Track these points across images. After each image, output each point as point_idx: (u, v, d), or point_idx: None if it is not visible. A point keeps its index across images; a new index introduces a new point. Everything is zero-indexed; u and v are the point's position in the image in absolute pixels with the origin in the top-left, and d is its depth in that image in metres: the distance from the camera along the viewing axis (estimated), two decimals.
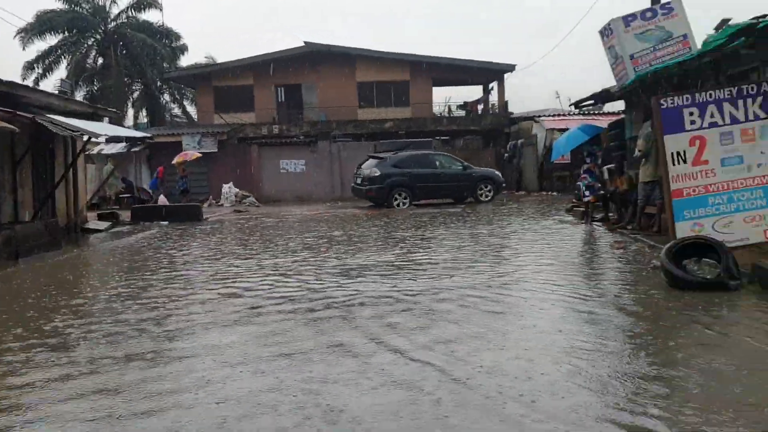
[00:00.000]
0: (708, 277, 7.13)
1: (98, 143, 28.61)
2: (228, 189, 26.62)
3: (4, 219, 13.10)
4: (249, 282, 8.23)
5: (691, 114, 7.37)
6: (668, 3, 10.95)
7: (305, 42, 33.66)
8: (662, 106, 7.41)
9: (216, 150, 28.54)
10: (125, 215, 19.68)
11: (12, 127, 9.97)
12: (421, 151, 24.86)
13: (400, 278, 8.11)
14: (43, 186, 14.97)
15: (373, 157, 23.41)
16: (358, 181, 22.76)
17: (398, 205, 21.52)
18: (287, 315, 6.35)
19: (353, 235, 13.59)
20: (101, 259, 11.69)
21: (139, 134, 16.94)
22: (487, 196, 22.56)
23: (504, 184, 23.38)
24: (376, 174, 21.84)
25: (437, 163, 23.00)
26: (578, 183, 16.68)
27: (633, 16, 10.90)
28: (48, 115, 13.24)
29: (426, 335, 5.41)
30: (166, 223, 18.47)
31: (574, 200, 17.31)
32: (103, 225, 17.26)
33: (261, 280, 8.29)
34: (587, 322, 5.85)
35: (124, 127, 37.03)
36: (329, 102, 34.04)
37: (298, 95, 35.16)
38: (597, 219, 14.17)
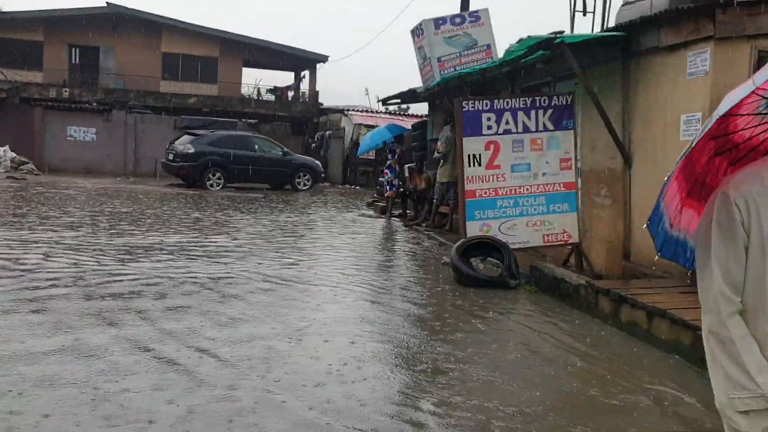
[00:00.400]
0: (491, 276, 7.48)
1: None
2: (2, 152, 23.72)
3: None
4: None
5: (489, 119, 7.65)
6: (476, 12, 11.40)
7: (107, 2, 31.05)
8: (464, 109, 7.61)
9: None
10: None
11: None
12: (240, 132, 24.05)
13: (189, 262, 7.59)
14: None
15: (189, 134, 22.05)
16: (170, 157, 21.27)
17: (211, 185, 20.37)
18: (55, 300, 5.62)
19: (142, 213, 12.66)
20: None
21: None
22: (305, 185, 22.22)
23: (323, 174, 23.04)
24: (190, 151, 20.55)
25: (256, 146, 22.14)
26: (380, 179, 17.03)
27: (444, 19, 11.19)
28: None
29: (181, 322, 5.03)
30: None
31: (375, 195, 17.64)
32: None
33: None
34: (375, 312, 5.82)
35: None
36: (129, 70, 31.73)
37: (94, 58, 32.35)
38: (395, 215, 14.50)
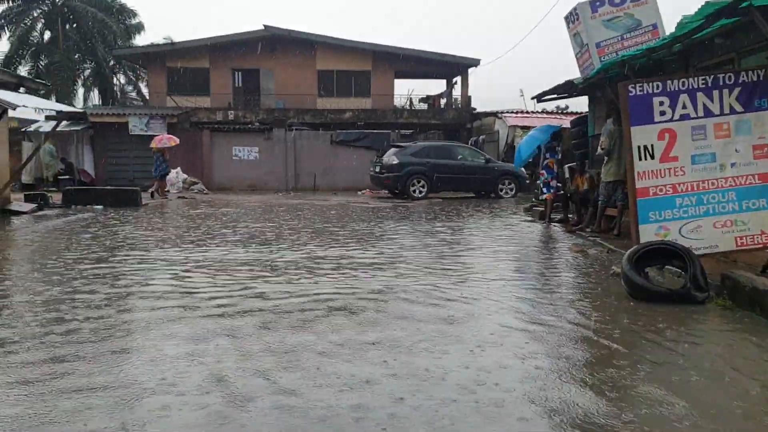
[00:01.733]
0: (672, 287, 6.36)
1: (36, 120, 27.25)
2: (175, 175, 25.25)
3: None
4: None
5: (662, 104, 6.56)
6: None
7: (265, 25, 32.40)
8: (630, 93, 6.58)
9: (165, 134, 27.09)
10: (57, 197, 18.30)
11: None
12: (443, 142, 25.60)
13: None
14: None
15: (394, 146, 23.32)
16: (377, 169, 22.63)
17: (415, 192, 21.46)
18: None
19: (313, 227, 12.59)
20: (8, 245, 10.46)
21: (66, 108, 15.53)
22: (508, 193, 22.27)
23: (527, 181, 22.40)
24: (394, 162, 21.72)
25: (459, 155, 22.76)
26: (537, 181, 15.95)
27: (601, 1, 10.11)
28: None
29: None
30: (100, 207, 17.18)
31: (534, 199, 16.59)
32: (28, 207, 15.91)
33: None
34: (537, 331, 5.00)
35: (68, 105, 35.44)
36: (288, 89, 32.88)
37: (255, 80, 33.88)
38: (556, 220, 13.41)
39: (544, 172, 13.55)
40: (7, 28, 37.12)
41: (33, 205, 16.20)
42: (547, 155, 13.48)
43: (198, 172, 26.84)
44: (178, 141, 22.75)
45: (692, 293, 6.08)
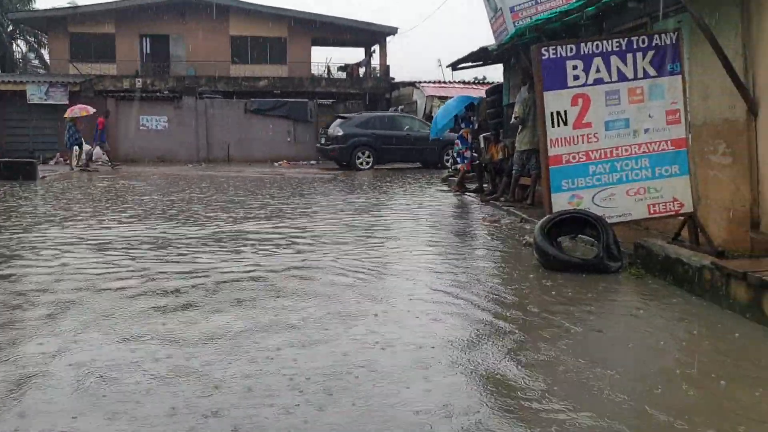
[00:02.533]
0: (585, 257, 6.20)
1: None
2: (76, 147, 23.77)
3: None
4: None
5: (575, 68, 6.30)
6: None
7: None
8: (543, 57, 6.29)
9: (67, 102, 25.44)
10: None
11: None
12: (389, 113, 25.17)
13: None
14: None
15: (339, 117, 23.05)
16: (323, 140, 22.46)
17: (361, 164, 21.24)
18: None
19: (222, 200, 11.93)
20: None
21: None
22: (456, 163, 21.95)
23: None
24: (339, 133, 21.43)
25: (405, 126, 22.62)
26: (451, 151, 15.78)
27: None
28: None
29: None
30: None
31: (450, 170, 16.43)
32: None
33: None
34: (450, 304, 4.69)
35: None
36: (199, 56, 31.52)
37: (165, 47, 32.32)
38: (471, 190, 13.24)
39: (458, 141, 13.35)
40: None
41: None
42: (462, 125, 13.27)
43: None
44: (92, 111, 21.75)
45: (605, 262, 5.91)
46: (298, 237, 7.70)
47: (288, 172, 20.40)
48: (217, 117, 26.92)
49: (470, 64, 13.20)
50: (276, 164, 24.78)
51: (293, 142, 27.37)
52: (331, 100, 34.74)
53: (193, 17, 31.68)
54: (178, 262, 6.25)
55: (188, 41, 32.02)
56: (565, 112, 6.34)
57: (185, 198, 12.15)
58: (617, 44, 6.35)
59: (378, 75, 34.04)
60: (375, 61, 35.55)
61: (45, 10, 34.11)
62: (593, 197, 6.41)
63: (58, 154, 24.78)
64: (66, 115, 21.30)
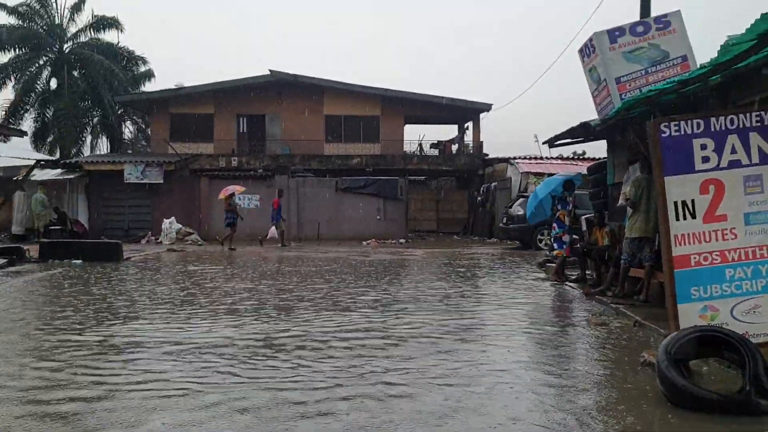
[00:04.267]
0: (726, 392, 4.77)
1: (33, 168, 26.28)
2: (168, 225, 24.01)
3: None
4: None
5: (704, 147, 5.09)
6: (665, 16, 8.76)
7: (270, 70, 31.59)
8: (663, 134, 5.12)
9: (161, 181, 25.97)
10: (34, 251, 17.02)
11: None
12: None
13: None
14: None
15: (521, 196, 22.20)
16: (504, 220, 22.05)
17: (542, 243, 19.81)
18: None
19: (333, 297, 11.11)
20: None
21: (34, 156, 14.29)
22: None
23: None
24: (519, 213, 20.42)
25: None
26: (540, 237, 14.47)
27: (621, 30, 8.72)
28: None
29: None
30: (79, 262, 15.85)
31: (547, 253, 15.05)
32: None
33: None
34: None
35: (77, 154, 34.60)
36: (294, 135, 31.90)
37: (261, 126, 32.98)
38: (572, 279, 11.83)
39: (555, 225, 12.05)
40: (13, 76, 36.60)
41: (2, 261, 14.90)
42: (558, 206, 12.00)
43: (195, 221, 25.60)
44: (242, 189, 23.38)
45: (754, 400, 4.49)
46: (378, 346, 6.63)
47: (375, 254, 19.48)
48: (308, 195, 26.64)
49: (569, 140, 12.00)
50: (365, 243, 24.04)
51: (383, 219, 26.67)
52: (422, 177, 34.19)
53: (289, 97, 32.27)
54: (296, 382, 5.23)
55: (283, 120, 32.53)
56: (693, 201, 5.10)
57: (273, 288, 11.37)
58: (758, 118, 5.08)
59: (471, 151, 33.26)
60: (468, 137, 34.90)
61: (149, 92, 35.77)
62: (732, 309, 5.06)
63: (150, 233, 25.08)
64: (221, 196, 22.31)
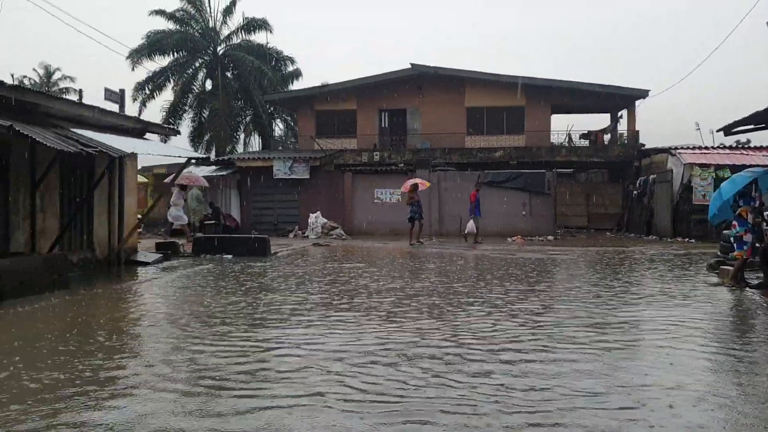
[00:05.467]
0: None
1: (186, 166, 27.64)
2: (314, 219, 24.37)
3: (14, 249, 11.26)
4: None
5: None
6: None
7: (411, 64, 31.33)
8: None
9: (308, 177, 26.45)
10: (188, 245, 17.71)
11: None
12: None
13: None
14: (79, 212, 13.16)
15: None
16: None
17: None
18: None
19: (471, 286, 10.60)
20: (94, 309, 9.33)
21: (184, 154, 14.66)
22: None
23: None
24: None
25: None
26: (725, 232, 12.94)
27: None
28: (74, 130, 11.37)
29: None
30: (230, 257, 16.28)
31: (719, 254, 13.48)
32: (152, 257, 15.27)
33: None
34: None
35: (231, 151, 36.20)
36: (435, 128, 31.44)
37: (402, 121, 32.82)
38: (753, 285, 10.40)
39: (735, 223, 10.63)
40: (172, 78, 38.92)
41: (158, 256, 15.55)
42: (740, 202, 10.56)
43: (339, 215, 25.83)
44: (428, 184, 22.29)
45: None
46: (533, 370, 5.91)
47: (521, 252, 18.55)
48: (449, 190, 26.04)
49: (750, 127, 10.53)
50: (509, 240, 23.09)
51: (528, 215, 25.54)
52: (571, 170, 32.54)
53: (429, 90, 31.85)
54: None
55: (424, 114, 32.17)
56: None
57: (420, 290, 10.92)
58: None
59: (625, 141, 31.19)
60: (622, 126, 32.82)
61: (295, 90, 36.71)
62: None
63: (297, 227, 25.58)
64: (403, 189, 21.89)
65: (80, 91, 28.05)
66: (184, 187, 20.88)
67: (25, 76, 54.23)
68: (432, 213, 26.05)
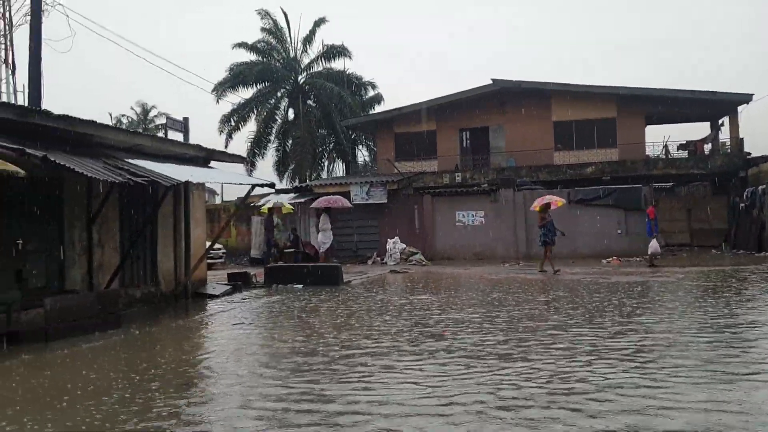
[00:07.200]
0: None
1: (266, 195, 27.45)
2: (392, 245, 23.46)
3: (70, 286, 10.88)
4: None
5: None
6: None
7: (493, 79, 30.11)
8: None
9: (385, 201, 25.62)
10: (260, 275, 17.14)
11: (16, 169, 7.41)
12: None
13: None
14: (142, 245, 12.76)
15: None
16: None
17: None
18: None
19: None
20: (134, 353, 8.65)
21: (246, 180, 14.03)
22: None
23: None
24: None
25: None
26: None
27: None
28: (128, 160, 10.94)
29: None
30: (300, 286, 15.57)
31: None
32: (221, 289, 14.72)
33: None
34: None
35: (315, 178, 35.99)
36: (519, 145, 30.01)
37: (484, 139, 31.59)
38: None
39: None
40: (256, 109, 39.24)
41: (227, 288, 15.01)
42: None
43: (418, 241, 24.80)
44: (561, 202, 19.12)
45: None
46: None
47: (618, 275, 16.92)
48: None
49: None
50: (604, 261, 21.35)
51: (624, 234, 23.68)
52: (670, 184, 30.25)
53: (513, 106, 30.54)
54: None
55: (508, 131, 30.85)
56: None
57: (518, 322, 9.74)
58: None
59: (728, 150, 28.70)
60: (723, 135, 30.31)
61: (372, 114, 36.22)
62: None
63: (375, 253, 24.73)
64: (533, 207, 19.25)
65: (167, 116, 28.44)
66: (329, 210, 20.98)
67: (123, 115, 56.54)
68: (519, 234, 24.63)
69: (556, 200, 18.95)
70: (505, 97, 30.48)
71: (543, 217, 18.32)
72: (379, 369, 6.44)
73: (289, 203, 26.18)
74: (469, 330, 8.61)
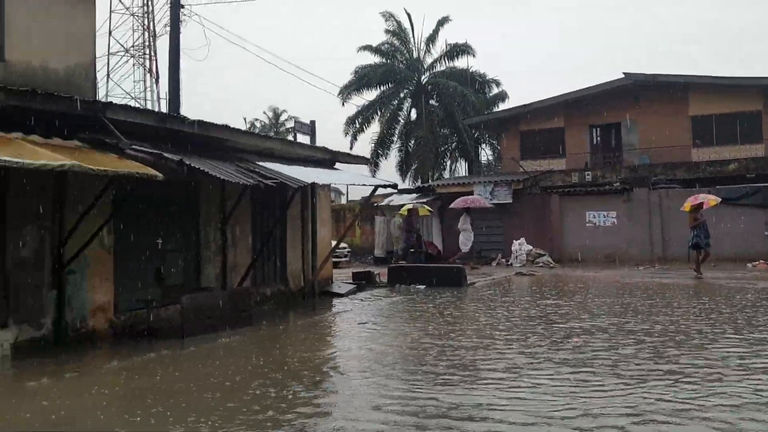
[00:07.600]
0: None
1: (388, 195, 27.61)
2: (518, 246, 22.88)
3: (204, 285, 11.36)
4: None
5: None
6: None
7: (625, 73, 28.68)
8: None
9: (510, 201, 25.06)
10: (384, 274, 17.20)
11: (154, 173, 7.81)
12: None
13: None
14: (272, 245, 13.16)
15: None
16: None
17: None
18: None
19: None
20: (264, 351, 8.84)
21: (369, 182, 14.08)
22: None
23: None
24: None
25: None
26: None
27: None
28: (259, 163, 11.29)
29: None
30: (422, 287, 15.48)
31: None
32: (346, 288, 14.93)
33: None
34: None
35: (437, 178, 35.99)
36: (653, 142, 28.37)
37: (615, 136, 30.15)
38: None
39: None
40: (379, 111, 39.67)
41: (351, 286, 15.21)
42: None
43: (545, 242, 24.04)
44: (716, 201, 17.91)
45: None
46: None
47: (763, 282, 15.62)
48: (674, 210, 22.99)
49: None
50: (749, 265, 19.80)
51: None
52: None
53: (646, 100, 28.94)
54: None
55: (641, 127, 29.26)
56: None
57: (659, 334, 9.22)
58: None
59: None
60: None
61: (496, 112, 35.57)
62: None
63: (500, 254, 24.24)
64: (684, 207, 17.93)
65: (295, 120, 29.22)
66: (468, 211, 21.62)
67: (256, 119, 59.04)
68: (654, 236, 23.34)
69: (710, 199, 17.66)
70: (638, 91, 28.92)
71: (695, 217, 17.12)
72: (509, 377, 6.20)
73: (416, 203, 26.20)
74: (609, 340, 8.15)
